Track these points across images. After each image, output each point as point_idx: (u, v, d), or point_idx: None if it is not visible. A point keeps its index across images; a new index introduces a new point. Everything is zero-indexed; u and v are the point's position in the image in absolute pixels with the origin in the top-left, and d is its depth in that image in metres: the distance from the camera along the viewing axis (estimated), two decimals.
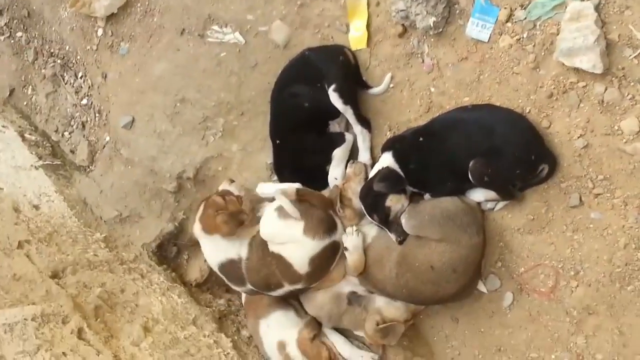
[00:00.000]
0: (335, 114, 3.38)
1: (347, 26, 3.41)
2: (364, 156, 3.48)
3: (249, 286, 3.33)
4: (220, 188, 3.42)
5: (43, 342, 2.87)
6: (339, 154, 3.48)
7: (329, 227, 3.23)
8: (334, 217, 3.30)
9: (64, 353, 2.87)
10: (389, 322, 3.23)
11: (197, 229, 3.31)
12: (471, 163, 2.86)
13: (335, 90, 3.26)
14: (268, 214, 3.28)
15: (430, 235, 3.05)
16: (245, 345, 3.74)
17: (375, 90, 3.40)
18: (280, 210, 3.20)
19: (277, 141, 3.54)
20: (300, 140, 3.47)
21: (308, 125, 3.44)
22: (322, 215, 3.22)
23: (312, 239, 3.17)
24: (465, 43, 3.07)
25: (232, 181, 3.45)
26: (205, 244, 3.34)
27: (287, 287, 3.27)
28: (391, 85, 3.35)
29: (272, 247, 3.23)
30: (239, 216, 3.27)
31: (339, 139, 3.48)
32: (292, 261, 3.19)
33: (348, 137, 3.48)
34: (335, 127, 3.51)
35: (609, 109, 2.70)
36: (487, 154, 2.84)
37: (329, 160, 3.50)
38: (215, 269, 3.40)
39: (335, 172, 3.51)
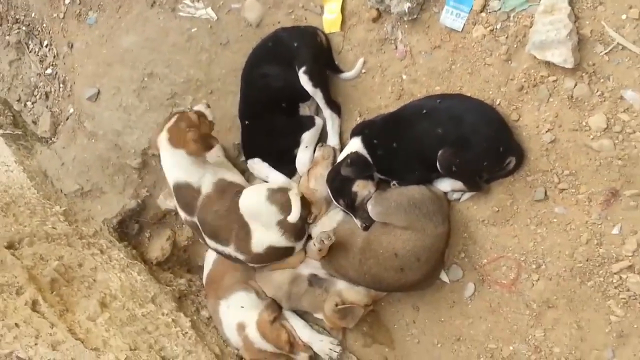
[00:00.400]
0: (306, 96, 3.34)
1: (322, 8, 3.38)
2: (332, 140, 3.46)
3: (195, 220, 3.31)
4: (195, 108, 3.34)
5: None
6: (307, 137, 3.44)
7: (299, 235, 3.25)
8: (306, 228, 3.30)
9: (16, 324, 2.79)
10: (349, 304, 3.23)
11: (162, 139, 3.22)
12: (439, 152, 2.85)
13: (305, 72, 3.22)
14: (259, 190, 3.26)
15: (395, 223, 3.05)
16: (204, 326, 3.70)
17: (346, 75, 3.37)
18: (273, 194, 3.18)
19: (246, 122, 3.50)
20: (270, 122, 3.43)
21: (277, 107, 3.39)
22: (300, 223, 3.21)
23: (281, 235, 3.18)
24: (439, 31, 3.05)
25: (208, 105, 3.37)
26: (167, 157, 3.27)
27: (229, 250, 3.27)
28: (363, 71, 3.33)
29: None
30: (209, 140, 3.23)
31: (308, 123, 3.44)
32: (254, 237, 3.18)
33: (318, 121, 3.45)
34: (305, 110, 3.47)
35: (578, 105, 2.70)
36: (456, 143, 2.83)
37: (297, 144, 3.47)
38: (170, 186, 3.35)
39: (303, 156, 3.48)
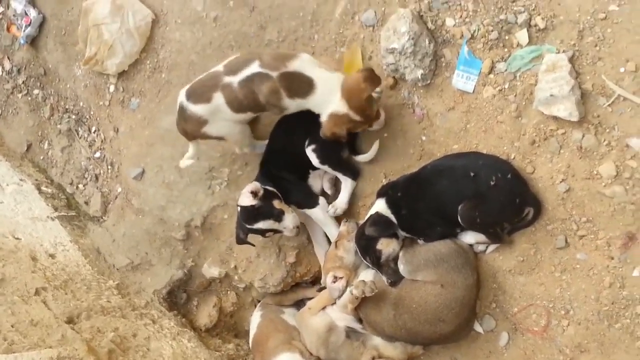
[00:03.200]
0: (314, 166, 3.57)
1: None
2: (341, 199, 3.66)
3: None
4: None
5: None
6: (320, 217, 3.70)
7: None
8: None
9: None
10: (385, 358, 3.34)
11: None
12: (460, 207, 2.99)
13: (313, 150, 3.46)
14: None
15: (426, 278, 3.17)
16: None
17: (362, 157, 3.57)
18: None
19: (264, 167, 3.70)
20: (282, 177, 3.63)
21: (290, 167, 3.61)
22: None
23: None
24: (452, 94, 3.21)
25: None
26: None
27: None
28: (385, 134, 3.48)
29: None
30: None
31: (310, 201, 3.69)
32: None
33: (321, 201, 3.68)
34: (315, 178, 3.70)
35: (588, 155, 2.82)
36: (474, 198, 2.97)
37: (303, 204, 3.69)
38: None
39: (328, 231, 3.75)
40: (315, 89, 3.13)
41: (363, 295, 3.22)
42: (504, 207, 2.97)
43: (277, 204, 3.54)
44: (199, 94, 3.30)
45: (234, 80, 3.19)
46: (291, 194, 3.65)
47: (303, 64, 3.15)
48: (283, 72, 3.11)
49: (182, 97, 3.38)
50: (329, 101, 3.13)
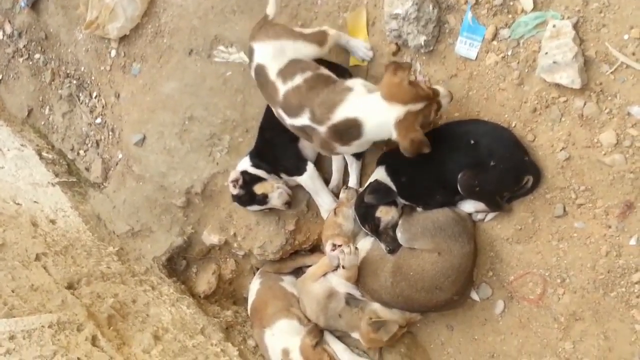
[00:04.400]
0: None
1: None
2: (352, 180, 3.66)
3: None
4: None
5: (59, 347, 2.99)
6: (308, 184, 3.69)
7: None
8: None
9: (78, 358, 2.98)
10: (383, 319, 3.37)
11: None
12: (459, 175, 2.99)
13: None
14: None
15: (423, 247, 3.19)
16: (251, 354, 3.86)
17: None
18: None
19: (259, 132, 3.72)
20: (273, 140, 3.63)
21: (282, 128, 3.49)
22: None
23: None
24: (455, 61, 3.19)
25: None
26: None
27: None
28: None
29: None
30: None
31: (300, 167, 3.66)
32: None
33: (309, 167, 3.64)
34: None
35: (589, 123, 2.80)
36: (474, 166, 2.96)
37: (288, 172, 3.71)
38: None
39: (321, 200, 3.75)
40: (364, 126, 2.96)
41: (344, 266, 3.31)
42: (504, 176, 2.97)
43: (258, 188, 3.61)
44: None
45: (293, 122, 3.17)
46: (280, 160, 3.66)
47: (350, 105, 2.99)
48: (330, 126, 3.02)
49: None
50: (383, 121, 2.90)
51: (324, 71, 3.19)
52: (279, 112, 3.21)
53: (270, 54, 3.16)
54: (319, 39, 3.24)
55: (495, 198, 3.07)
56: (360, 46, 3.42)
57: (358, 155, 3.59)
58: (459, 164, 3.01)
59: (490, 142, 2.97)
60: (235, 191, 3.65)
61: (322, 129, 3.02)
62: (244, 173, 3.66)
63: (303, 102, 3.07)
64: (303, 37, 3.20)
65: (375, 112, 2.92)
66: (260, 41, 3.20)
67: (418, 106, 2.85)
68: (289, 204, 3.69)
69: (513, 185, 3.02)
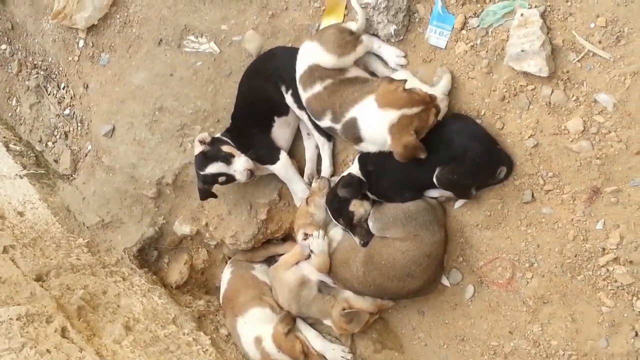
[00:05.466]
0: (281, 111, 3.57)
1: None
2: (324, 164, 3.67)
3: None
4: None
5: (28, 340, 2.96)
6: (282, 173, 3.70)
7: None
8: None
9: (48, 350, 2.95)
10: (355, 309, 3.40)
11: None
12: (438, 170, 3.00)
13: (292, 94, 3.42)
14: None
15: (394, 235, 3.22)
16: (224, 343, 3.87)
17: None
18: None
19: (231, 122, 3.71)
20: (246, 130, 3.63)
21: (254, 117, 3.59)
22: None
23: None
24: (425, 49, 3.22)
25: None
26: None
27: None
28: None
29: None
30: None
31: (273, 155, 3.66)
32: None
33: (282, 156, 3.65)
34: (282, 126, 3.65)
35: (556, 110, 2.86)
36: (451, 163, 2.98)
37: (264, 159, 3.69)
38: None
39: (295, 188, 3.76)
40: (361, 128, 3.05)
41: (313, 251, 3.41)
42: (480, 169, 3.01)
43: (225, 148, 3.56)
44: None
45: (319, 123, 3.27)
46: (252, 149, 3.64)
47: (361, 109, 3.04)
48: (343, 123, 3.11)
49: None
50: (377, 124, 2.95)
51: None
52: None
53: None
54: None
55: (469, 189, 3.12)
56: (392, 54, 3.31)
57: (329, 137, 3.60)
58: (433, 161, 2.99)
59: (463, 139, 2.98)
60: (199, 148, 3.57)
61: (339, 127, 3.14)
62: (215, 138, 3.65)
63: (326, 104, 3.17)
64: None
65: (370, 116, 2.97)
66: None
67: (413, 110, 2.86)
68: (251, 172, 3.56)
69: (489, 177, 3.06)
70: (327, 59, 3.15)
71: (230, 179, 3.56)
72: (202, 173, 3.55)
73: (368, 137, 3.04)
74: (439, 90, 3.07)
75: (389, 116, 2.87)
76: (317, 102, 3.18)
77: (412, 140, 2.86)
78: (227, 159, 3.51)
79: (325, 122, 3.19)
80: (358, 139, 3.09)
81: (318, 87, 3.15)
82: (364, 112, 3.00)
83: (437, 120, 2.96)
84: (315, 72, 3.17)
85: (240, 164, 3.52)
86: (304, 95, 3.23)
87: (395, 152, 2.92)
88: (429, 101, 2.89)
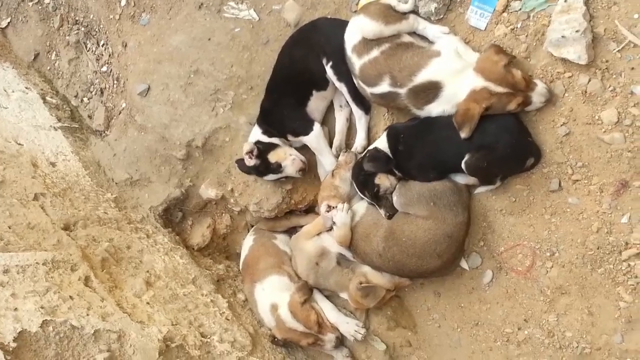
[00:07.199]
0: (321, 85, 3.58)
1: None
2: (359, 136, 3.66)
3: None
4: None
5: (52, 285, 3.01)
6: (314, 144, 3.72)
7: None
8: None
9: (70, 297, 3.00)
10: (372, 284, 3.42)
11: None
12: (467, 156, 2.98)
13: (332, 67, 3.43)
14: None
15: (417, 213, 3.22)
16: (240, 308, 3.93)
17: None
18: None
19: (265, 94, 3.75)
20: (280, 104, 3.66)
21: (292, 89, 3.61)
22: None
23: None
24: (464, 30, 3.19)
25: None
26: None
27: None
28: None
29: None
30: None
31: (307, 127, 3.69)
32: None
33: (316, 127, 3.67)
34: (318, 100, 3.67)
35: (591, 100, 2.82)
36: (482, 150, 2.96)
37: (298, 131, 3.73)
38: None
39: (324, 160, 3.79)
40: (441, 90, 3.02)
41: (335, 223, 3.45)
42: (510, 160, 3.00)
43: (272, 156, 3.67)
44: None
45: (372, 91, 3.24)
46: (286, 122, 3.69)
47: (435, 69, 3.04)
48: (411, 87, 3.09)
49: None
50: (464, 84, 2.93)
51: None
52: None
53: None
54: None
55: (495, 177, 3.10)
56: (437, 30, 3.27)
57: (367, 110, 3.60)
58: (461, 147, 2.99)
59: (496, 128, 2.95)
60: (251, 162, 3.69)
61: (403, 92, 3.10)
62: (258, 143, 3.71)
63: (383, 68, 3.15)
64: None
65: (459, 77, 2.96)
66: None
67: (499, 89, 2.86)
68: (303, 170, 3.73)
69: (517, 167, 3.04)
70: (372, 26, 3.15)
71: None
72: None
73: (447, 96, 3.01)
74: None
75: (476, 82, 2.88)
76: (373, 67, 3.17)
77: (476, 111, 2.88)
78: (278, 168, 3.70)
79: (382, 87, 3.16)
80: (429, 101, 3.06)
81: (375, 52, 3.16)
82: (451, 74, 2.99)
83: (521, 109, 2.94)
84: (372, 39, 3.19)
85: (292, 169, 3.72)
86: (359, 63, 3.22)
87: (457, 110, 2.95)
88: (520, 88, 2.86)
